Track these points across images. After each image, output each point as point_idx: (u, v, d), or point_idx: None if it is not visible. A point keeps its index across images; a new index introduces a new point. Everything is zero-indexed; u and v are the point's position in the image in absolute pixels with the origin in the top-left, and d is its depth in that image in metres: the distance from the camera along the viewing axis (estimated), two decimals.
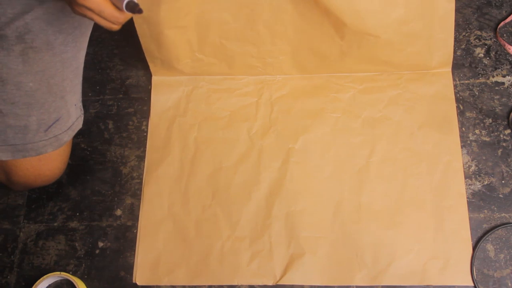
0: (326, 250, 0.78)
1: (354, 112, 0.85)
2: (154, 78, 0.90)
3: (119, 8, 0.64)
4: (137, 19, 0.80)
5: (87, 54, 0.81)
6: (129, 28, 0.78)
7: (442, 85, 0.85)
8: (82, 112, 0.81)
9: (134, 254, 0.81)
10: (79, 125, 0.80)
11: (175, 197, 0.83)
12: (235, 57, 0.87)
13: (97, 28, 0.78)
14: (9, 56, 0.69)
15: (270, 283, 0.77)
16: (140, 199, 0.84)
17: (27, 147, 0.73)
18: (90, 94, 0.92)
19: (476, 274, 0.75)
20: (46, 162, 0.77)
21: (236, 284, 0.78)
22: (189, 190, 0.83)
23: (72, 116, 0.77)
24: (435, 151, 0.81)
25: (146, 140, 0.88)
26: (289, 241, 0.79)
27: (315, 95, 0.87)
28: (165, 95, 0.90)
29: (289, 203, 0.81)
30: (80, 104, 0.80)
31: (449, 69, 0.86)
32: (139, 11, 0.64)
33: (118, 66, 0.94)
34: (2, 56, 0.69)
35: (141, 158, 0.87)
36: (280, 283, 0.77)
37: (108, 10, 0.63)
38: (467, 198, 0.79)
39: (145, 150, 0.87)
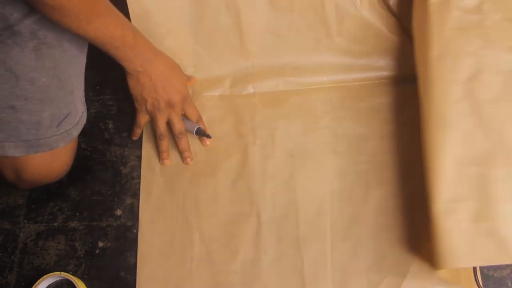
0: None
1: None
2: None
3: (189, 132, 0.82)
4: None
5: (87, 54, 0.81)
6: None
7: None
8: (85, 107, 0.82)
9: (134, 254, 0.81)
10: (84, 119, 0.81)
11: (176, 228, 0.81)
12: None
13: None
14: (23, 52, 0.71)
15: None
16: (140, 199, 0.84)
17: (40, 142, 0.74)
18: (90, 94, 0.92)
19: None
20: (57, 157, 0.77)
21: None
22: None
23: (79, 111, 0.79)
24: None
25: None
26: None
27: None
28: None
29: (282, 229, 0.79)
30: (84, 100, 0.81)
31: None
32: (208, 136, 0.82)
33: (118, 66, 0.94)
34: (16, 52, 0.71)
35: (141, 158, 0.87)
36: None
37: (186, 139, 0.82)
38: None
39: None
